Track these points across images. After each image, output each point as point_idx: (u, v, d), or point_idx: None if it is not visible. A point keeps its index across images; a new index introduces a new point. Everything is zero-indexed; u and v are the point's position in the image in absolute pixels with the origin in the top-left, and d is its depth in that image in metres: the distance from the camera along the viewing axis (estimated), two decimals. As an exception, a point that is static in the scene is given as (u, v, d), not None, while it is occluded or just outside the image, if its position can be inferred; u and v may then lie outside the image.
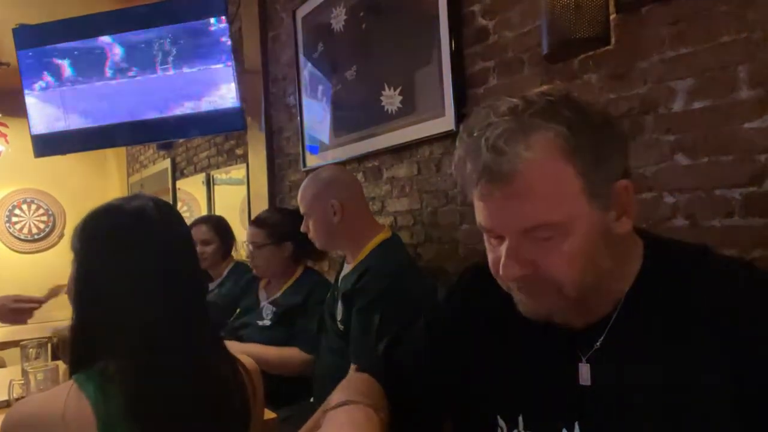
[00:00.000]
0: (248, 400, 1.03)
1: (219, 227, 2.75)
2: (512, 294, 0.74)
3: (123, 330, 0.92)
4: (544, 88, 0.73)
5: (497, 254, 0.71)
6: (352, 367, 1.62)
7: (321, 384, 1.80)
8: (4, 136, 5.74)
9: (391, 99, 2.15)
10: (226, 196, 3.80)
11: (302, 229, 1.83)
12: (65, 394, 0.87)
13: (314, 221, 1.78)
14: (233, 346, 2.02)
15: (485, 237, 0.75)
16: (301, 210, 1.81)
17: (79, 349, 0.95)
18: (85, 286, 0.95)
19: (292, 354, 1.97)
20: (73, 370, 0.93)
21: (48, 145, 3.38)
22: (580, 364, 0.74)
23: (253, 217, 2.28)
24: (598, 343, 0.73)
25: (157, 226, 0.97)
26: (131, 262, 0.94)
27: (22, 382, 1.61)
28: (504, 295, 0.76)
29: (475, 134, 0.68)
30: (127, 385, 0.88)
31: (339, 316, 1.73)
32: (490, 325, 0.83)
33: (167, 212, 1.01)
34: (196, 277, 1.03)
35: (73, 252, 0.98)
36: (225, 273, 2.73)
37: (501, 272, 0.70)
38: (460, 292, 0.93)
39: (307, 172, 2.72)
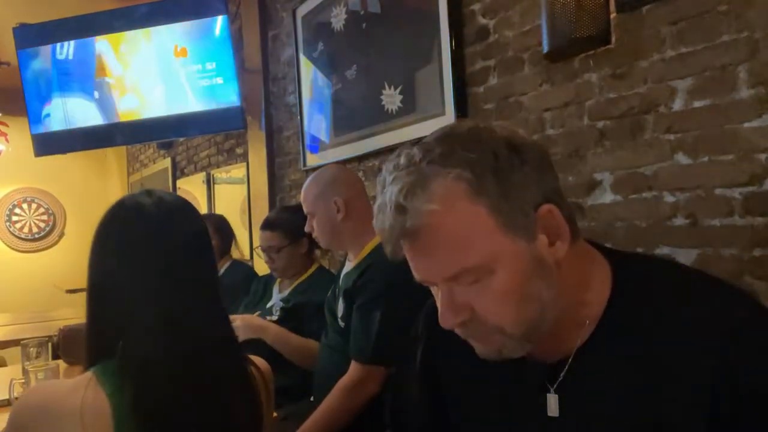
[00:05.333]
0: (260, 399, 1.01)
1: (218, 226, 2.75)
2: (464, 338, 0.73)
3: (127, 326, 0.91)
4: (443, 128, 0.71)
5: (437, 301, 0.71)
6: (352, 363, 1.62)
7: (320, 383, 1.80)
8: (5, 135, 5.74)
9: (391, 98, 2.15)
10: (227, 195, 3.80)
11: (306, 229, 1.82)
12: (84, 387, 0.86)
13: (318, 220, 1.77)
14: (261, 323, 2.01)
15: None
16: (305, 210, 1.80)
17: (92, 343, 0.94)
18: (90, 280, 0.95)
19: (315, 348, 1.94)
20: (89, 363, 0.92)
21: (48, 144, 3.39)
22: (548, 395, 0.73)
23: (263, 221, 2.22)
24: (562, 374, 0.72)
25: (156, 222, 0.95)
26: (128, 258, 0.93)
27: (23, 381, 1.62)
28: None
29: (382, 190, 0.68)
30: (134, 380, 0.87)
31: (339, 313, 1.73)
32: (465, 352, 0.80)
33: (169, 208, 0.97)
34: (203, 275, 0.99)
35: None
36: (222, 271, 2.73)
37: (440, 321, 0.69)
38: (425, 339, 0.92)
39: (307, 171, 2.73)
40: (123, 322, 0.91)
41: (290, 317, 2.08)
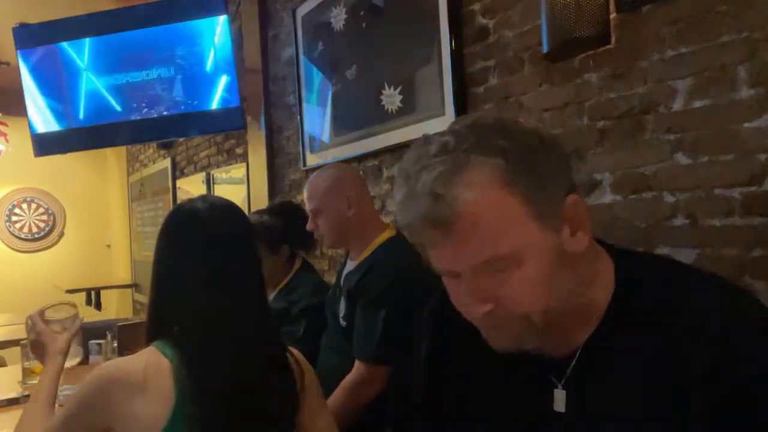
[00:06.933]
0: (296, 389, 1.12)
1: None
2: (480, 329, 0.73)
3: (183, 313, 1.05)
4: (472, 116, 0.72)
5: (457, 292, 0.70)
6: (356, 363, 1.61)
7: (320, 383, 1.80)
8: (4, 135, 5.74)
9: (391, 98, 2.15)
10: (227, 195, 3.78)
11: (309, 227, 1.79)
12: (148, 353, 1.02)
13: (327, 216, 1.74)
14: None
15: (442, 276, 0.73)
16: (310, 206, 1.77)
17: (151, 327, 1.08)
18: (154, 274, 1.11)
19: None
20: (151, 339, 1.06)
21: (48, 144, 3.39)
22: (555, 390, 0.73)
23: None
24: (569, 369, 0.73)
25: (209, 224, 1.09)
26: (186, 256, 1.07)
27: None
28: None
29: (410, 180, 0.66)
30: (190, 353, 1.01)
31: (341, 313, 1.72)
32: (472, 348, 0.80)
33: (220, 213, 1.12)
34: (249, 270, 1.12)
35: None
36: None
37: (463, 312, 0.70)
38: (445, 315, 0.90)
39: (307, 172, 2.73)
40: (180, 310, 1.05)
41: None
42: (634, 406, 0.67)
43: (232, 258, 1.09)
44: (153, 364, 0.99)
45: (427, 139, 0.69)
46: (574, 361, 0.72)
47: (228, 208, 1.16)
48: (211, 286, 1.06)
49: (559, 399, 0.73)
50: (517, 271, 0.66)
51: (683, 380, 0.65)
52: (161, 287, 1.09)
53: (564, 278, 0.68)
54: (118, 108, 3.18)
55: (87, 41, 3.18)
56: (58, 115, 3.31)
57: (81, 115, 3.26)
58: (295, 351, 1.18)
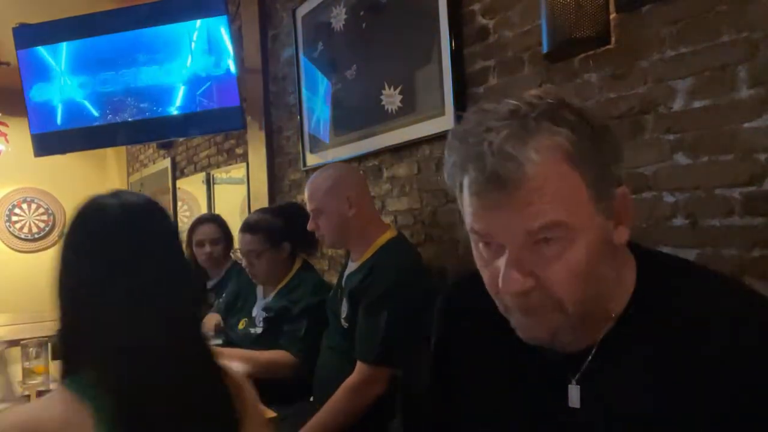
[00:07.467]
0: (237, 414, 0.96)
1: (224, 226, 2.75)
2: (510, 317, 0.72)
3: (95, 335, 0.86)
4: (539, 90, 0.71)
5: (494, 269, 0.68)
6: (358, 364, 1.62)
7: (321, 383, 1.80)
8: (4, 135, 5.74)
9: (391, 98, 2.15)
10: (226, 195, 3.80)
11: (309, 227, 1.80)
12: (62, 400, 0.83)
13: (327, 216, 1.74)
14: (223, 352, 1.99)
15: (478, 251, 0.71)
16: (311, 206, 1.77)
17: (63, 352, 0.90)
18: (57, 286, 0.89)
19: (283, 358, 1.93)
20: (64, 373, 0.89)
21: (47, 144, 3.39)
22: (569, 386, 0.73)
23: (242, 223, 2.14)
24: (585, 365, 0.72)
25: (119, 225, 0.89)
26: (92, 262, 0.87)
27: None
28: (498, 312, 0.73)
29: (471, 140, 0.65)
30: (108, 393, 0.83)
31: (343, 314, 1.72)
32: (482, 343, 0.81)
33: (133, 210, 0.91)
34: (171, 278, 0.92)
35: None
36: (223, 272, 2.72)
37: (501, 285, 0.67)
38: (454, 310, 0.91)
39: (307, 172, 2.73)
40: (91, 331, 0.86)
41: (273, 326, 2.03)
42: (647, 404, 0.67)
43: (152, 266, 0.89)
44: (71, 410, 0.81)
45: (488, 107, 0.68)
46: (590, 357, 0.72)
47: (145, 206, 0.94)
48: (127, 301, 0.86)
49: (574, 395, 0.73)
50: (566, 250, 0.65)
51: (696, 382, 0.65)
52: (68, 303, 0.88)
53: (602, 270, 0.68)
54: (118, 108, 3.18)
55: (87, 41, 3.18)
56: (58, 115, 3.31)
57: (80, 115, 3.26)
58: (225, 365, 1.00)
